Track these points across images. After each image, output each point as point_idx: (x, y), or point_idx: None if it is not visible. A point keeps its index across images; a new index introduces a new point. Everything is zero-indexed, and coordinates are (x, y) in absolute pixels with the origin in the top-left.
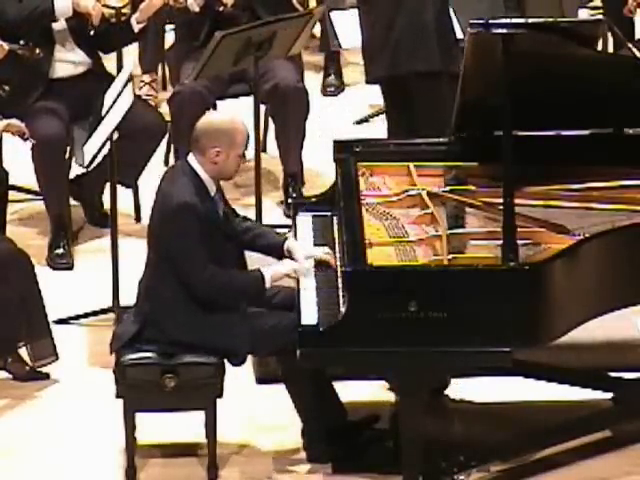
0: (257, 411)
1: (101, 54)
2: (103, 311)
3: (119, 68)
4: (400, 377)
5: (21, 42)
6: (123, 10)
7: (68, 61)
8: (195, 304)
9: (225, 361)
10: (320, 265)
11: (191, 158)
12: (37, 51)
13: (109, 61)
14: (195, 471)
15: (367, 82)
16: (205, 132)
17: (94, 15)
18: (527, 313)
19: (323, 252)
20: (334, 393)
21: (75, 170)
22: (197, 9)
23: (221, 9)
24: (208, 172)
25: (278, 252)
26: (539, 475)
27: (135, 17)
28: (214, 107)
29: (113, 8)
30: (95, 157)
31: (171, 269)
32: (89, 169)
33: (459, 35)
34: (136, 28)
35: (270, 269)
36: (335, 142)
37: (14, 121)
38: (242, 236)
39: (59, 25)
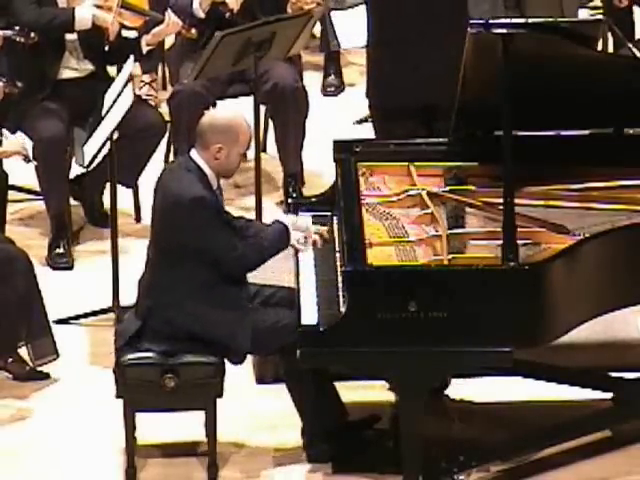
0: (257, 411)
1: None
2: (103, 311)
3: (119, 69)
4: (400, 377)
5: (16, 27)
6: (128, 31)
7: (73, 68)
8: (199, 295)
9: (225, 361)
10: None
11: (194, 153)
12: (32, 35)
13: None
14: (195, 471)
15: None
16: (209, 128)
17: (111, 30)
18: (527, 313)
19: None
20: (335, 393)
21: (75, 170)
22: (202, 15)
23: (227, 15)
24: (210, 167)
25: None
26: (539, 475)
27: (146, 39)
28: (214, 107)
29: (123, 26)
30: (95, 157)
31: (175, 264)
32: (89, 169)
33: None
34: (145, 49)
35: (288, 218)
36: (335, 142)
37: (12, 145)
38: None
39: (71, 35)
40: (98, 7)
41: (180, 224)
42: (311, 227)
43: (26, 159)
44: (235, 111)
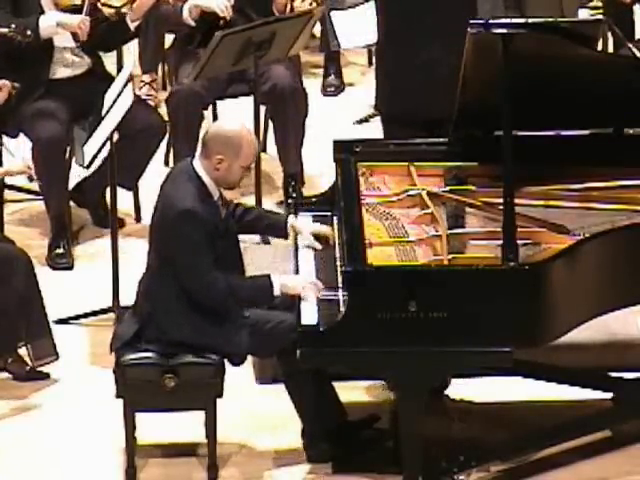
0: (257, 411)
1: (101, 53)
2: (103, 311)
3: (119, 68)
4: (400, 377)
5: (12, 25)
6: (123, 10)
7: (68, 62)
8: (195, 305)
9: (225, 361)
10: (321, 241)
11: (196, 161)
12: (28, 32)
13: (109, 60)
14: (195, 471)
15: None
16: (213, 138)
17: (80, 34)
18: (527, 313)
19: (325, 228)
20: (334, 393)
21: (74, 174)
22: (193, 23)
23: (221, 22)
24: (211, 177)
25: (281, 231)
26: (539, 475)
27: (129, 16)
28: (214, 107)
29: (113, 7)
30: (95, 157)
31: (172, 271)
32: (89, 170)
33: None
34: (132, 26)
35: (281, 278)
36: (335, 142)
37: (17, 165)
38: (240, 221)
39: (62, 41)
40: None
41: (168, 233)
42: (303, 286)
43: (30, 178)
44: (242, 124)
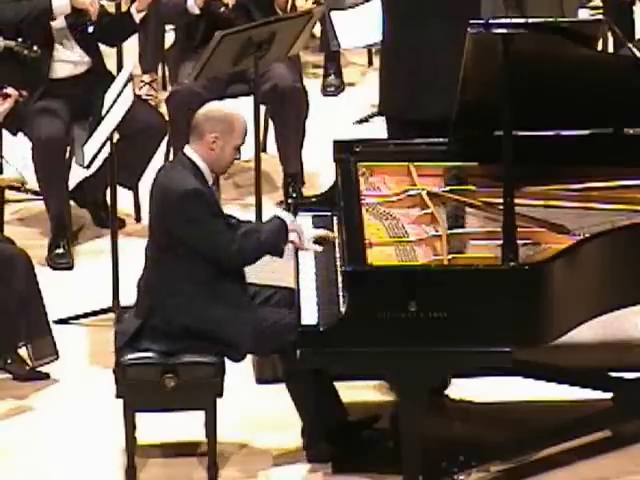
0: (257, 411)
1: (101, 52)
2: (103, 311)
3: (119, 68)
4: (400, 377)
5: (19, 39)
6: (123, 4)
7: (68, 61)
8: (197, 298)
9: (225, 360)
10: (321, 244)
11: (188, 149)
12: (35, 48)
13: (109, 60)
14: (195, 471)
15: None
16: (206, 118)
17: (92, 11)
18: (527, 313)
19: (323, 232)
20: (334, 393)
21: (74, 174)
22: (197, 11)
23: (222, 9)
24: (204, 159)
25: None
26: (539, 475)
27: (134, 6)
28: None
29: (113, 1)
30: (95, 157)
31: (174, 261)
32: (89, 170)
33: None
34: (137, 18)
35: (286, 214)
36: (335, 142)
37: (11, 174)
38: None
39: (58, 23)
40: None
41: (176, 218)
42: (306, 230)
43: (23, 186)
44: (231, 106)
